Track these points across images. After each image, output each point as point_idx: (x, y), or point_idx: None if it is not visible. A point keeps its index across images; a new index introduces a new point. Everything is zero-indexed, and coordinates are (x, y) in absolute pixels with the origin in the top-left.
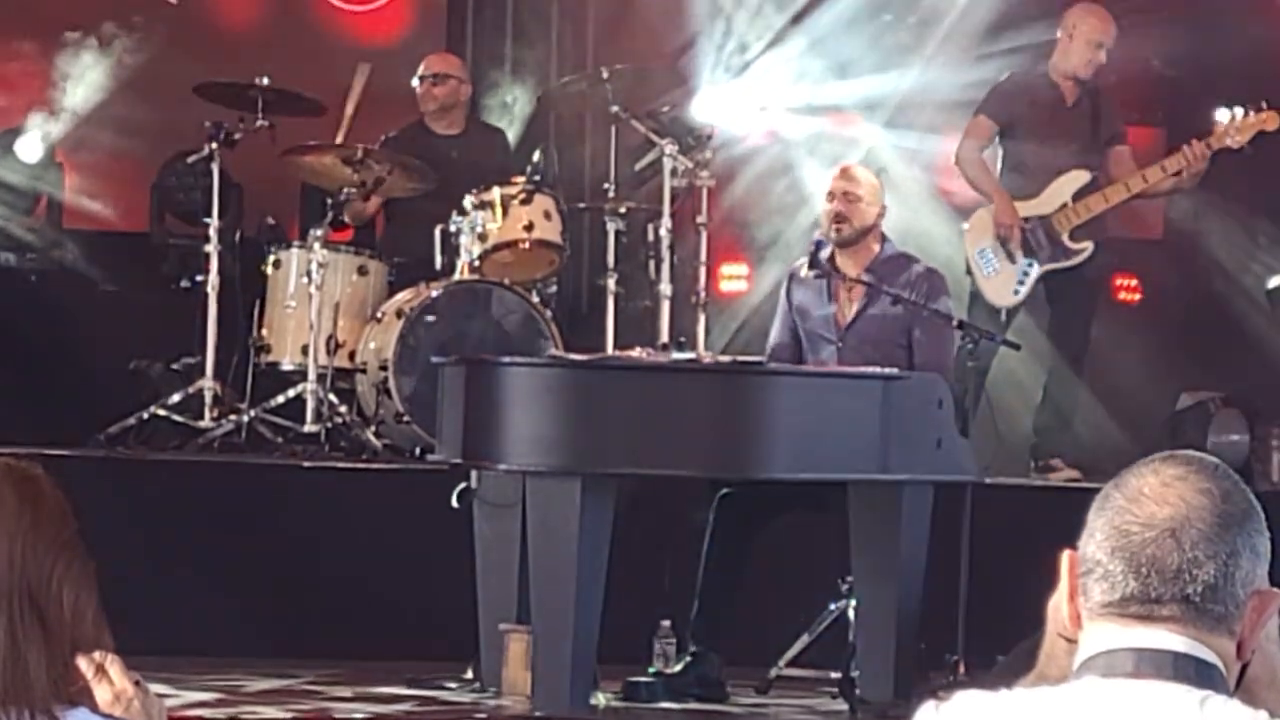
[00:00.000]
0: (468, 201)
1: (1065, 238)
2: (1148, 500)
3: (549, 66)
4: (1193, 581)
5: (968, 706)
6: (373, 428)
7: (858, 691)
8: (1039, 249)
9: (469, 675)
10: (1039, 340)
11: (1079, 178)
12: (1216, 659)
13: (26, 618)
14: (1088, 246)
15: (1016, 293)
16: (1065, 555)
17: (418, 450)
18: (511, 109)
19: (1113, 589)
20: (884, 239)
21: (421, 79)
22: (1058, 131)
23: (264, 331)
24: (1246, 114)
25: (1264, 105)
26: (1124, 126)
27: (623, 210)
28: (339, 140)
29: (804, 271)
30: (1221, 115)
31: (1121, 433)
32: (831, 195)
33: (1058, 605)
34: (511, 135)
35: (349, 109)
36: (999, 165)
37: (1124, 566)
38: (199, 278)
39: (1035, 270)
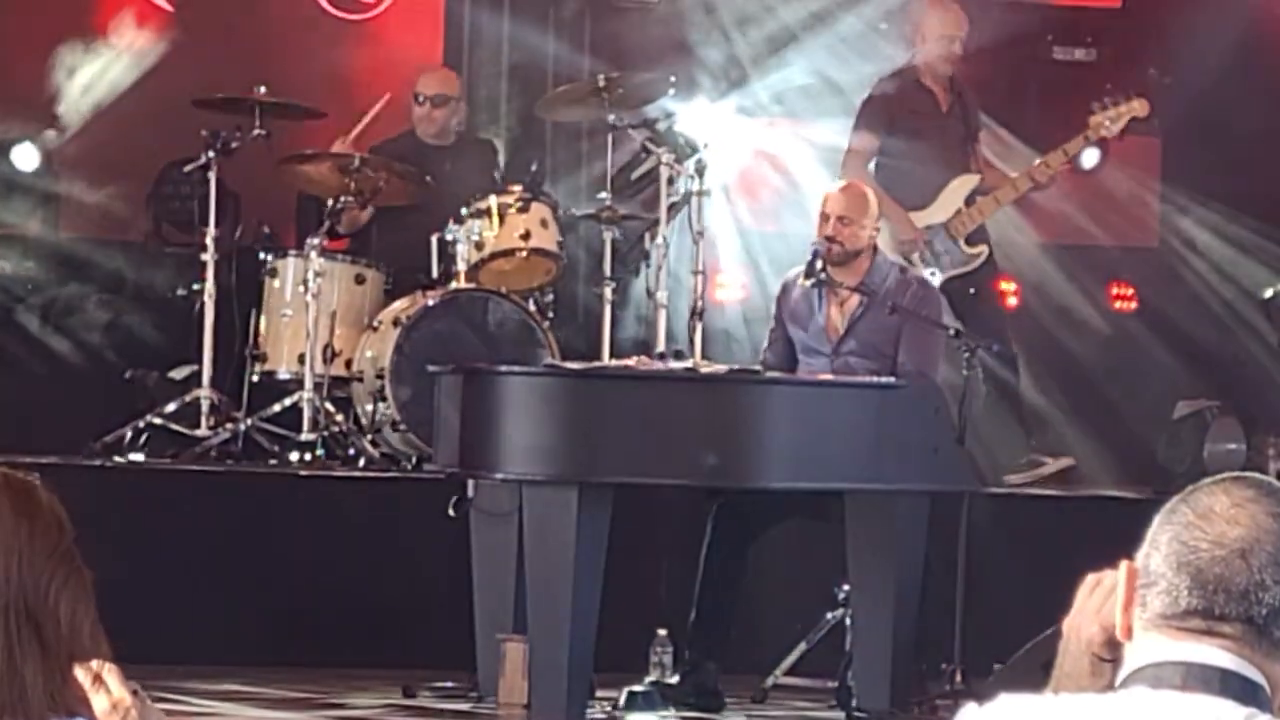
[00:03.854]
0: (464, 210)
1: (962, 243)
2: (1218, 519)
3: (545, 74)
4: (1259, 604)
5: (1010, 710)
6: (369, 436)
7: (854, 700)
8: (939, 257)
9: (466, 684)
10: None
11: (969, 182)
12: (1264, 680)
13: (23, 632)
14: (983, 250)
15: None
16: (1123, 565)
17: (414, 459)
18: (508, 117)
19: (1175, 602)
20: (876, 250)
21: (422, 99)
22: (937, 138)
23: (260, 340)
24: (1118, 103)
25: (1133, 94)
26: (979, 123)
27: (619, 219)
28: (352, 135)
29: (800, 281)
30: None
31: (1118, 441)
32: (825, 218)
33: (1078, 626)
34: (506, 144)
35: (356, 130)
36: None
37: (1190, 582)
38: (195, 286)
39: (938, 278)
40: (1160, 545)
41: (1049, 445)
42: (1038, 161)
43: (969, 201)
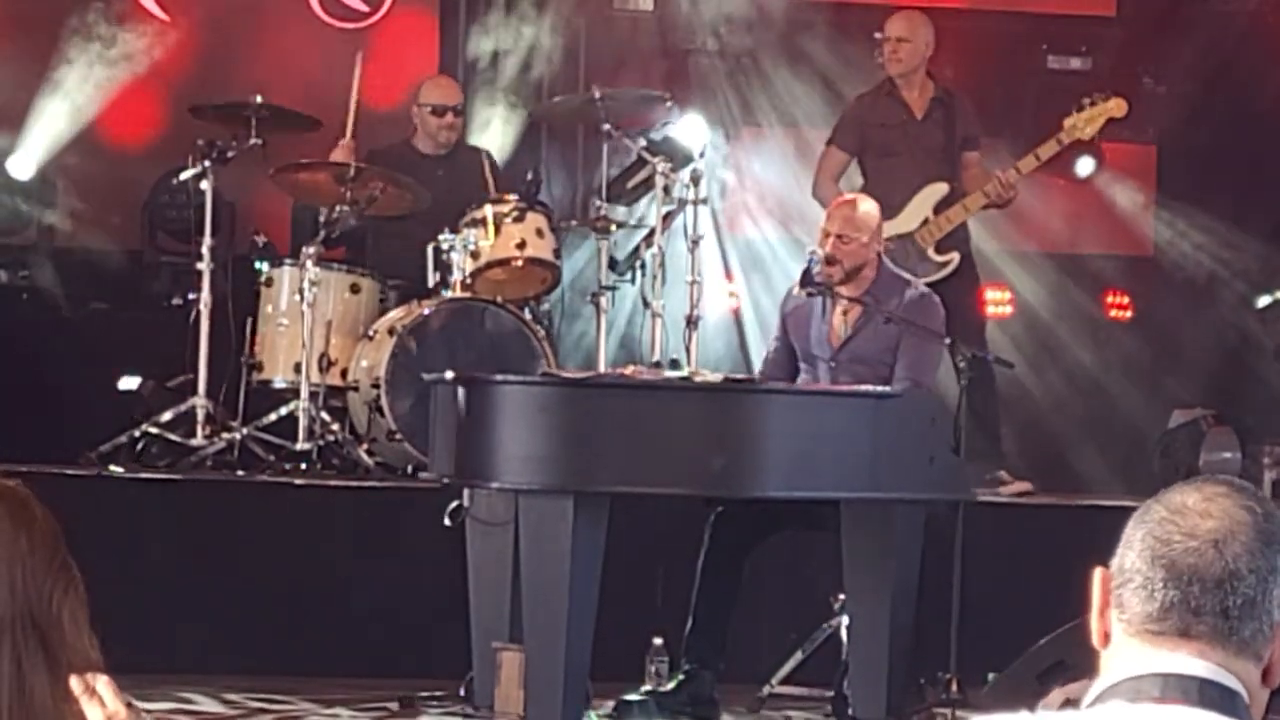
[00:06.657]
0: (460, 219)
1: (930, 251)
2: (1191, 512)
3: (541, 84)
4: (1233, 594)
5: None
6: (365, 446)
7: (850, 710)
8: (906, 267)
9: (462, 694)
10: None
11: (938, 190)
12: (1240, 686)
13: (30, 643)
14: (954, 257)
15: None
16: (1097, 572)
17: (410, 468)
18: (503, 126)
19: (1151, 597)
20: (881, 260)
21: (431, 109)
22: (911, 147)
23: (256, 349)
24: (1094, 103)
25: (1110, 94)
26: (978, 131)
27: (614, 228)
28: (349, 132)
29: (797, 290)
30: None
31: (1113, 450)
32: (826, 234)
33: None
34: (503, 152)
35: (353, 100)
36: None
37: (1165, 574)
38: (191, 296)
39: None
40: (1134, 544)
41: (1011, 462)
42: (1010, 167)
43: (938, 210)
